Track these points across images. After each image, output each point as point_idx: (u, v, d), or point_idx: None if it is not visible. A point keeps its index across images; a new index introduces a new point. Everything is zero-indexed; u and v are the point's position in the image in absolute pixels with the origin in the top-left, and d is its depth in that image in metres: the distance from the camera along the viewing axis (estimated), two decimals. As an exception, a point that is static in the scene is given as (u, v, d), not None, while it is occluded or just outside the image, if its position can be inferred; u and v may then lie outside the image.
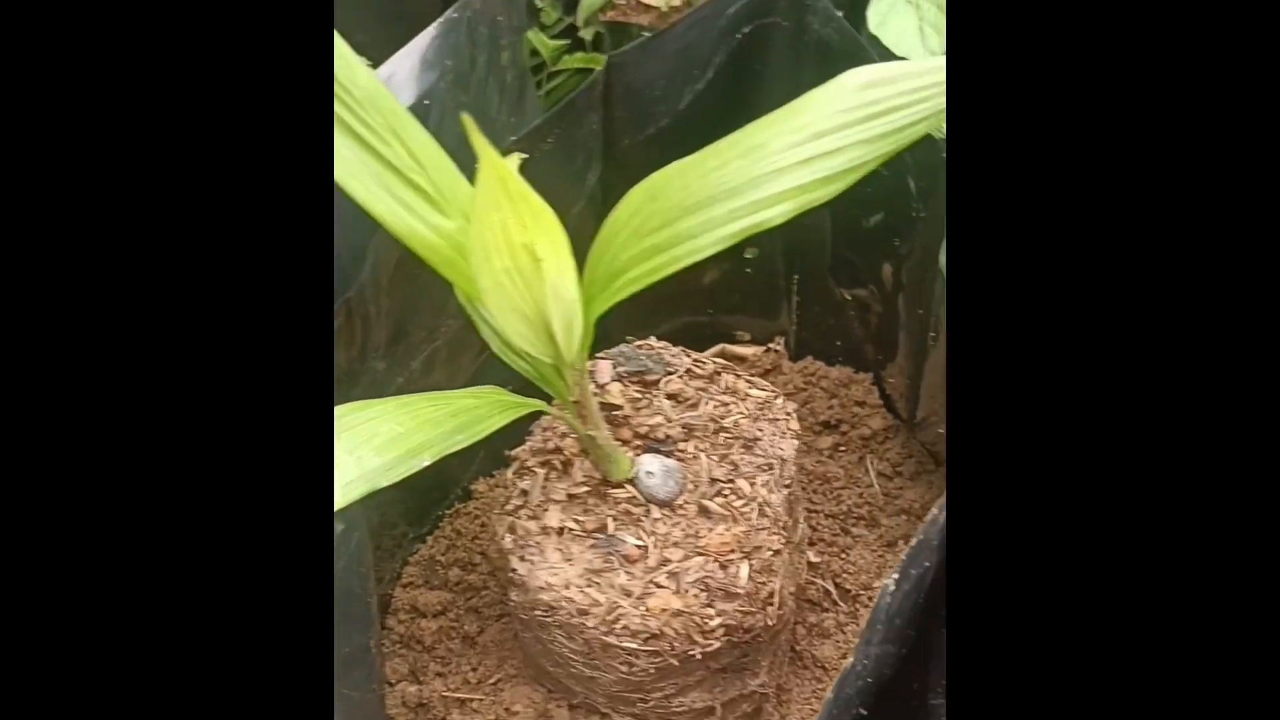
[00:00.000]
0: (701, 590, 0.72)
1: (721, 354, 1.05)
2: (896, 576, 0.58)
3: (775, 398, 0.79)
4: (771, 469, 0.76)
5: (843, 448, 0.98)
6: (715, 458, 0.77)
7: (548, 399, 0.73)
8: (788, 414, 0.78)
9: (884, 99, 0.56)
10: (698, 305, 1.01)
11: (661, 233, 0.58)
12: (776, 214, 0.56)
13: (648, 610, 0.72)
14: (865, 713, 0.61)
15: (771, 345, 1.04)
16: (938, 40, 0.95)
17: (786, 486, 0.75)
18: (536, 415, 0.75)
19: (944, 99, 0.57)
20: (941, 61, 0.56)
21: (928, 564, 0.60)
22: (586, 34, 1.11)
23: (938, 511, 0.59)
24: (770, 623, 0.75)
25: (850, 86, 0.56)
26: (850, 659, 0.56)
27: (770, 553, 0.73)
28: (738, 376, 0.80)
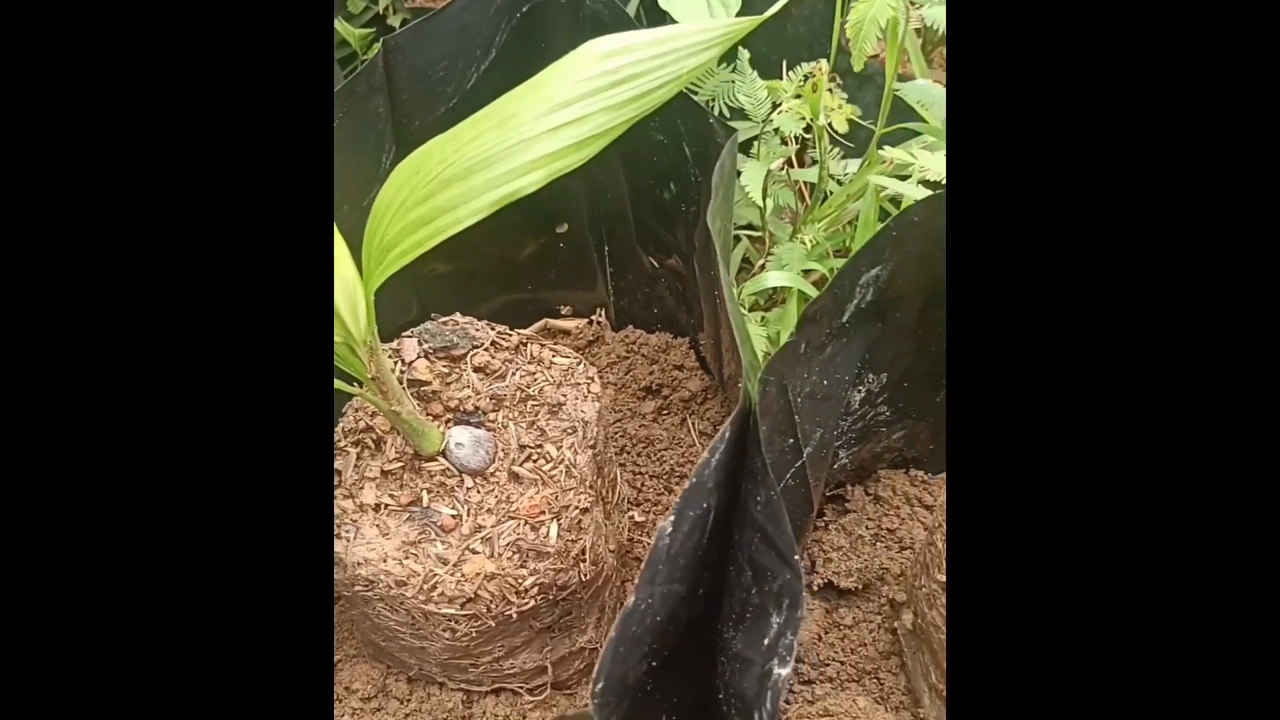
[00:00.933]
0: (514, 552, 0.75)
1: (545, 329, 1.07)
2: (673, 519, 0.61)
3: (578, 363, 0.82)
4: (576, 431, 0.79)
5: (665, 411, 1.02)
6: (523, 425, 0.80)
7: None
8: (590, 378, 0.81)
9: (624, 66, 0.58)
10: (517, 283, 1.03)
11: (424, 205, 0.60)
12: (529, 182, 0.58)
13: (463, 576, 0.74)
14: (657, 648, 0.64)
15: (594, 317, 1.07)
16: (725, 12, 0.99)
17: (591, 447, 0.78)
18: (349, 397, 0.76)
19: (687, 64, 0.60)
20: (676, 29, 0.59)
21: (705, 505, 0.63)
22: (394, 21, 1.12)
23: (708, 455, 0.62)
24: (584, 578, 0.77)
25: (591, 56, 0.58)
26: (631, 599, 0.59)
27: (578, 511, 0.76)
28: (542, 346, 0.83)
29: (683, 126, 0.81)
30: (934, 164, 0.83)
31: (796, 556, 0.60)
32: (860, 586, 0.88)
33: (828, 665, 0.85)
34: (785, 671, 0.58)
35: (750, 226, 1.08)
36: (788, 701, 0.84)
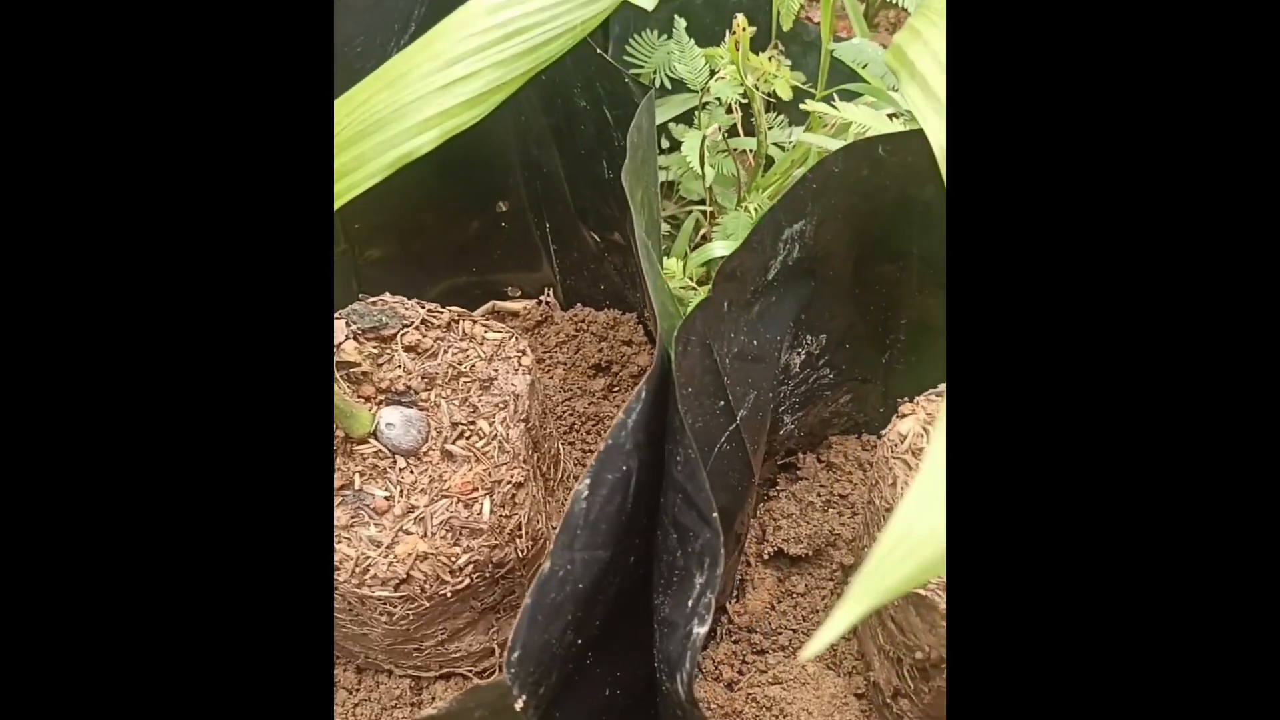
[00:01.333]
0: (447, 531, 0.73)
1: (492, 311, 1.06)
2: (589, 482, 0.60)
3: (510, 338, 0.80)
4: (507, 406, 0.77)
5: (615, 388, 1.00)
6: (455, 402, 0.79)
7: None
8: (521, 351, 0.79)
9: (514, 20, 0.57)
10: (462, 266, 1.02)
11: (319, 172, 0.59)
12: (424, 141, 0.57)
13: (395, 558, 0.73)
14: (583, 617, 0.62)
15: (542, 297, 1.06)
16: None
17: (524, 420, 0.77)
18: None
19: (580, 14, 0.59)
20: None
21: (625, 468, 0.62)
22: None
23: (624, 416, 0.61)
24: (522, 555, 0.76)
25: (480, 10, 0.57)
26: (547, 564, 0.58)
27: (511, 486, 0.75)
28: (474, 322, 0.81)
29: (602, 90, 0.79)
30: (866, 119, 0.82)
31: (714, 514, 0.59)
32: (811, 553, 0.86)
33: (780, 634, 0.84)
34: (703, 630, 0.57)
35: (703, 201, 1.07)
36: (740, 673, 0.82)
